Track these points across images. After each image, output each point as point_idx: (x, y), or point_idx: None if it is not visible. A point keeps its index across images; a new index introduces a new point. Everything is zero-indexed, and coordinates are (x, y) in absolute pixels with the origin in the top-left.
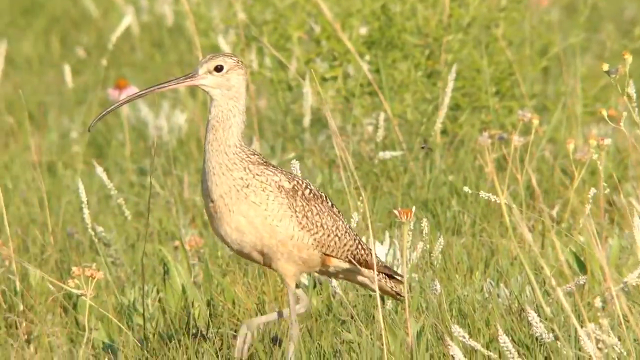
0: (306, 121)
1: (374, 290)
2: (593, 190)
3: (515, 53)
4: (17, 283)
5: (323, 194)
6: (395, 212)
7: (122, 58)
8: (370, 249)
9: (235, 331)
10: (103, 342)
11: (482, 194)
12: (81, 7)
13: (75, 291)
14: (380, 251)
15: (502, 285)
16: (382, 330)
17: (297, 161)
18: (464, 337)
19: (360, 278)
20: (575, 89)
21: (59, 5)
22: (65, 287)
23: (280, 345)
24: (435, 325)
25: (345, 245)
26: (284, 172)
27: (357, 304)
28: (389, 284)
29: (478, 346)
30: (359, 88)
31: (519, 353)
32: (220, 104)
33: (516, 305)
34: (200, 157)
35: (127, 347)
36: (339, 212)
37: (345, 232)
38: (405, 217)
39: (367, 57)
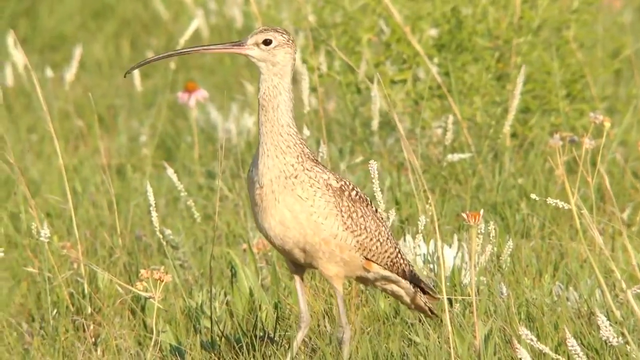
0: (375, 124)
1: (408, 305)
2: None
3: (587, 55)
4: (86, 286)
5: (368, 199)
6: (464, 215)
7: (191, 61)
8: (409, 261)
9: None
10: (170, 345)
11: (550, 200)
12: (152, 10)
13: (143, 294)
14: (449, 254)
15: (571, 288)
16: (450, 334)
17: (375, 162)
18: (532, 340)
19: (396, 288)
20: None
21: (130, 9)
22: (133, 290)
23: None
24: (503, 328)
25: (386, 251)
26: (333, 172)
27: None
28: (423, 299)
29: (546, 349)
30: (428, 91)
31: (587, 357)
32: (266, 78)
33: (585, 308)
34: None
35: (194, 350)
36: (382, 218)
37: (387, 238)
38: (473, 220)
39: (436, 60)
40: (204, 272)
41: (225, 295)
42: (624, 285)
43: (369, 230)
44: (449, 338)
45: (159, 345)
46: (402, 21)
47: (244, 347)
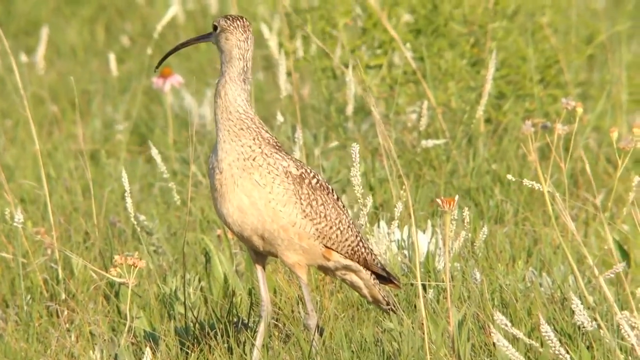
0: (349, 109)
1: (366, 297)
2: (637, 178)
3: (561, 41)
4: (60, 271)
5: (330, 187)
6: (438, 200)
7: (166, 46)
8: (372, 250)
9: (277, 320)
10: (144, 331)
11: (526, 181)
12: None
13: (117, 280)
14: (423, 240)
15: (544, 274)
16: (424, 320)
17: (357, 145)
18: (506, 325)
19: (355, 279)
20: (620, 77)
21: None
22: (107, 276)
23: (321, 335)
24: (477, 314)
25: (346, 240)
26: (294, 159)
27: (398, 293)
28: (382, 292)
29: (520, 334)
30: (402, 76)
31: (560, 342)
32: (220, 66)
33: (559, 294)
34: None
35: (168, 336)
36: (343, 206)
37: (348, 227)
38: (447, 205)
39: (409, 45)
40: (178, 258)
41: (200, 281)
42: (596, 272)
43: (328, 218)
44: (422, 324)
45: (132, 331)
46: (378, 6)
47: (218, 333)
